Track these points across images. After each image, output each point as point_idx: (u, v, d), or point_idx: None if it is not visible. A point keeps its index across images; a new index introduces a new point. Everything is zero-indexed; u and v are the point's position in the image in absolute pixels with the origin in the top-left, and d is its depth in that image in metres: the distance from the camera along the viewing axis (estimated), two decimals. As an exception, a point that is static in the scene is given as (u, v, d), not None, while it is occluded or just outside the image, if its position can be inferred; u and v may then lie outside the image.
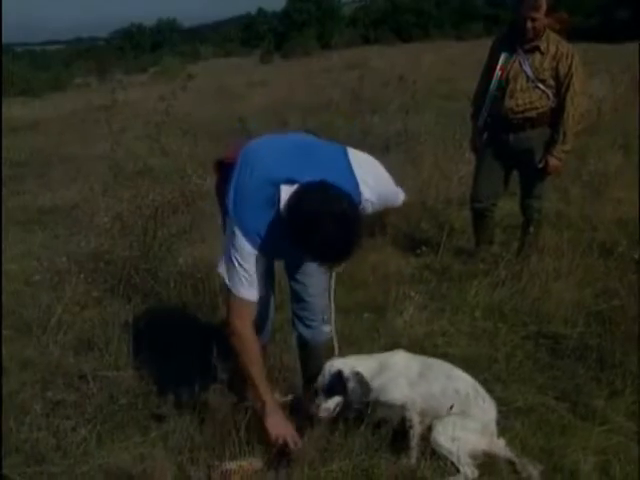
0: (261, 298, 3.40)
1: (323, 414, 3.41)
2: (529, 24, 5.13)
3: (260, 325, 3.63)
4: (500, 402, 3.53)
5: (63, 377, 4.26)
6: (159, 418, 3.79)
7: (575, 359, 4.28)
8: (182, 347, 4.54)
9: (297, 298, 3.69)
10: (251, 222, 3.10)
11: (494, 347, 4.40)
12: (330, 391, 3.40)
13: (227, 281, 3.22)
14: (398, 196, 3.47)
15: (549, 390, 3.98)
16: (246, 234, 3.10)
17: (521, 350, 4.39)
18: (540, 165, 5.36)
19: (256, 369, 3.27)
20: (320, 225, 2.79)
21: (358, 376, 3.38)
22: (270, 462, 3.30)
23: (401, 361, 3.47)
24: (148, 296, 5.24)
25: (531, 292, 4.99)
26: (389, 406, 3.41)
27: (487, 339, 4.51)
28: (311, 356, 3.80)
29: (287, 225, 2.92)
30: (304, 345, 3.79)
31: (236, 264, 3.15)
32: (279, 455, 3.27)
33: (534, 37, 5.20)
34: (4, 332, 4.98)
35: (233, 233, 3.12)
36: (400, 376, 3.41)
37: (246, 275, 3.16)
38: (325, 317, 3.70)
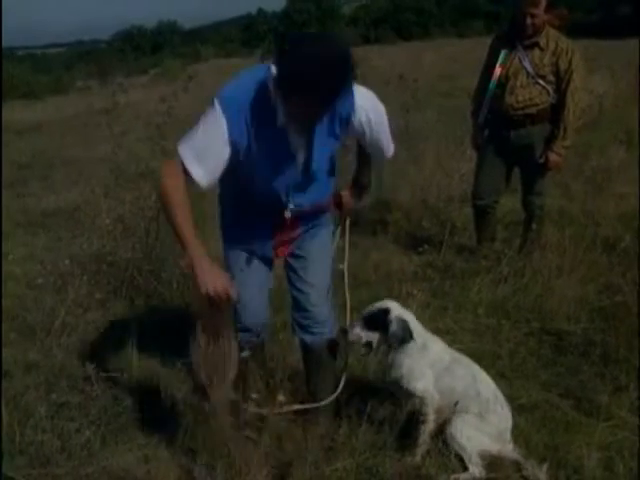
0: (256, 300, 3.50)
1: (352, 338, 3.47)
2: (528, 20, 5.14)
3: (255, 326, 3.62)
4: (504, 399, 3.52)
5: (67, 379, 4.27)
6: (164, 419, 3.79)
7: (579, 355, 4.29)
8: (186, 348, 4.55)
9: (299, 307, 3.57)
10: (235, 92, 2.97)
11: (497, 344, 4.41)
12: (370, 322, 3.45)
13: (179, 145, 2.99)
14: (390, 146, 3.42)
15: (553, 387, 3.99)
16: (223, 104, 2.93)
17: (524, 347, 4.41)
18: (540, 160, 5.36)
19: (182, 219, 2.92)
20: (308, 50, 2.69)
21: (403, 323, 3.39)
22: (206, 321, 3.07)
23: (436, 348, 3.46)
24: (151, 297, 5.24)
25: (534, 289, 5.00)
26: (408, 393, 3.42)
27: (490, 336, 4.52)
28: (314, 360, 3.70)
29: (276, 67, 2.78)
30: (306, 349, 3.68)
31: (198, 134, 2.96)
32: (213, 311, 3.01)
33: (533, 33, 5.20)
34: (9, 335, 4.99)
35: (212, 105, 2.95)
36: (429, 367, 3.40)
37: (201, 148, 2.95)
38: (331, 323, 3.62)
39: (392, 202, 7.03)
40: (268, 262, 3.56)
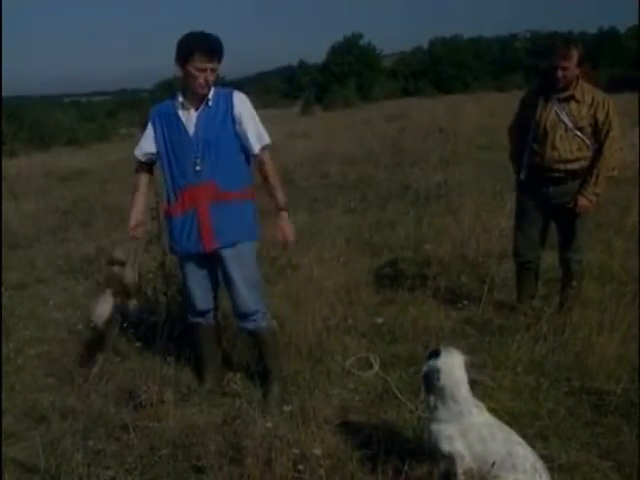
0: (200, 289, 4.64)
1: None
2: (559, 73, 5.15)
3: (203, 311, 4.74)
4: (543, 459, 3.44)
5: (104, 427, 4.28)
6: (199, 470, 3.79)
7: (619, 416, 4.20)
8: (224, 398, 4.57)
9: (234, 306, 4.61)
10: (158, 106, 4.64)
11: (536, 403, 4.35)
12: (429, 356, 3.49)
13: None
14: (265, 135, 4.47)
15: (593, 448, 3.91)
16: (151, 112, 4.60)
17: (564, 406, 4.32)
18: (569, 204, 5.32)
19: (131, 195, 4.65)
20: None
21: (435, 374, 3.37)
22: None
23: (473, 420, 3.37)
24: (189, 346, 5.25)
25: (573, 347, 4.93)
26: (438, 451, 3.38)
27: (529, 394, 4.45)
28: (260, 345, 4.70)
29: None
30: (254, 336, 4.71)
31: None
32: None
33: (565, 86, 5.21)
34: (48, 381, 5.05)
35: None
36: (461, 434, 3.34)
37: (141, 140, 4.65)
38: (263, 311, 4.63)
39: (431, 256, 7.02)
40: (205, 258, 4.55)
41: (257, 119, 4.47)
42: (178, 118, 4.42)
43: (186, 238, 4.47)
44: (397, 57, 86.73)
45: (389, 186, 11.37)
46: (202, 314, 4.74)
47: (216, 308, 4.85)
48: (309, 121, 33.62)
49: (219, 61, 4.33)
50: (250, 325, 4.63)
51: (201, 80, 4.28)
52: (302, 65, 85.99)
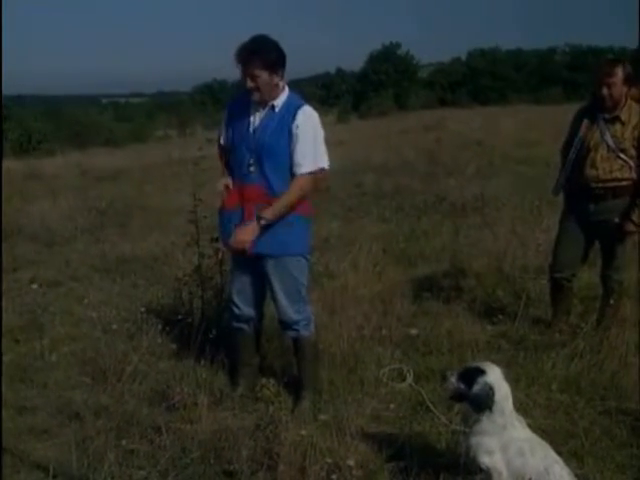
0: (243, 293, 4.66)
1: (447, 385, 3.55)
2: (605, 90, 5.14)
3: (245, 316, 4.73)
4: (578, 479, 3.41)
5: (137, 427, 4.30)
6: (230, 474, 3.79)
7: (655, 438, 4.14)
8: (257, 404, 4.56)
9: (277, 314, 4.66)
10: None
11: (571, 421, 4.30)
12: (465, 376, 3.45)
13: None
14: (305, 163, 4.32)
15: (628, 469, 3.85)
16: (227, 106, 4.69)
17: (599, 425, 4.27)
18: (616, 220, 5.26)
19: None
20: None
21: (489, 391, 3.34)
22: None
23: (515, 434, 3.36)
24: (224, 350, 5.26)
25: (610, 366, 4.87)
26: (475, 464, 3.36)
27: (563, 413, 4.40)
28: (298, 353, 4.69)
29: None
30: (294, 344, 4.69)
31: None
32: None
33: (613, 105, 5.19)
34: (82, 379, 5.09)
35: None
36: (501, 449, 3.32)
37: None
38: (305, 321, 4.60)
39: (467, 268, 6.99)
40: (255, 264, 4.50)
41: (315, 143, 4.37)
42: (249, 113, 4.41)
43: (230, 234, 4.45)
44: (435, 67, 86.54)
45: (424, 197, 11.35)
46: (240, 320, 4.74)
47: (260, 317, 4.84)
48: (345, 129, 33.53)
49: (257, 67, 4.21)
50: (291, 333, 4.65)
51: (247, 84, 4.27)
52: (339, 72, 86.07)
